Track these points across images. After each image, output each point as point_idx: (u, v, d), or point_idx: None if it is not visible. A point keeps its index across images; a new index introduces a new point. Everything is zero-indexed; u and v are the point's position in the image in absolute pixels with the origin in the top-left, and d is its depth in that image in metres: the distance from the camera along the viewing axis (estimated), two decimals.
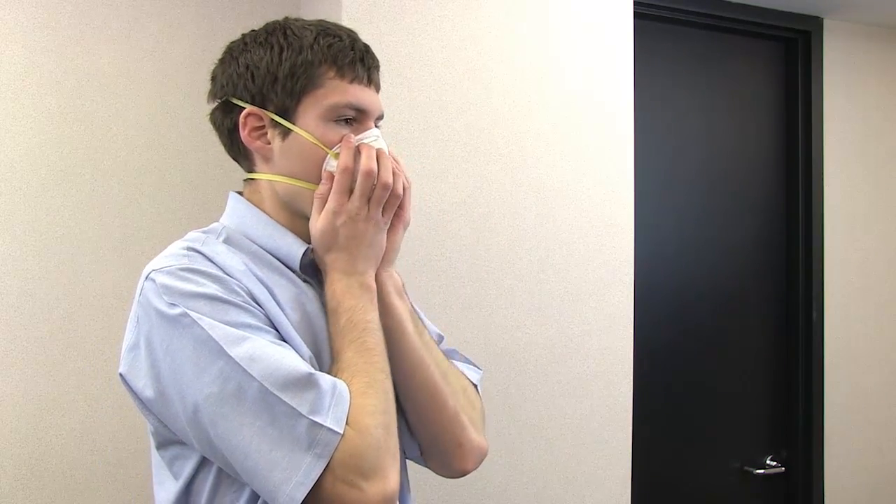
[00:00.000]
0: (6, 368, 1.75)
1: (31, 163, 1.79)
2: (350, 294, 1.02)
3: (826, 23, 2.52)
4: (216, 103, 1.12)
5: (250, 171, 1.12)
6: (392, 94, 1.72)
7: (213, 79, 1.12)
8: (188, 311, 0.93)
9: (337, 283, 1.03)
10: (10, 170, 1.77)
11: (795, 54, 2.52)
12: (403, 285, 1.16)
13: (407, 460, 1.18)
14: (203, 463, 0.99)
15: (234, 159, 1.14)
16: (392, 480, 0.92)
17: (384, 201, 1.06)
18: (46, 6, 1.80)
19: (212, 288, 0.95)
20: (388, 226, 1.08)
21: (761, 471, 2.42)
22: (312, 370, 0.93)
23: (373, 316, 1.02)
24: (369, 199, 1.05)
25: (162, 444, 1.02)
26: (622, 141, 1.96)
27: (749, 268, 2.48)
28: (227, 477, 0.98)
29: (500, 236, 1.82)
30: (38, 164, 1.79)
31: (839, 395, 2.51)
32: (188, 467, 1.00)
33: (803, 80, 2.50)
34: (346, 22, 1.67)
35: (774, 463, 2.45)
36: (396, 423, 0.98)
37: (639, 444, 1.99)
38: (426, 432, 1.14)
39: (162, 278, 0.96)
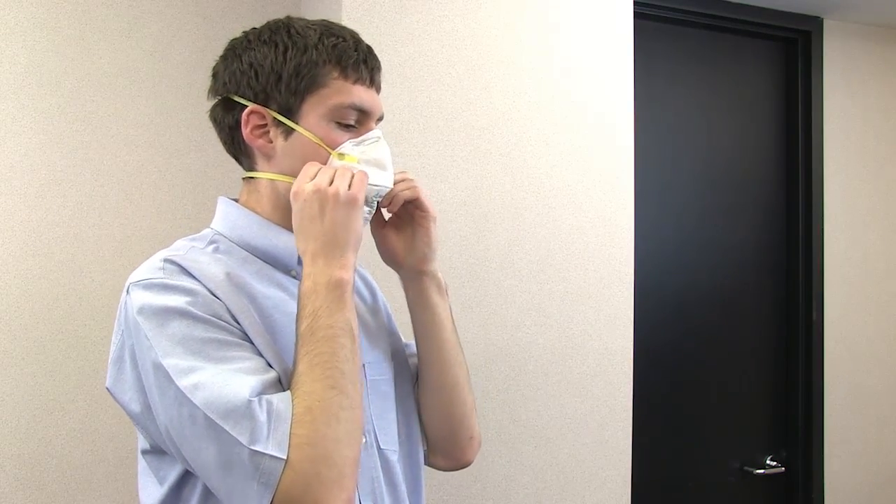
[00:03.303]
0: (6, 368, 1.75)
1: (31, 163, 1.79)
2: (315, 294, 0.95)
3: (826, 23, 2.52)
4: (217, 100, 1.11)
5: (251, 169, 1.11)
6: (392, 94, 1.72)
7: (215, 75, 1.11)
8: (150, 332, 0.93)
9: (305, 280, 0.97)
10: (10, 170, 1.77)
11: (795, 54, 2.52)
12: (446, 284, 1.17)
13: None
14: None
15: (234, 157, 1.13)
16: None
17: (333, 169, 1.00)
18: (46, 6, 1.80)
19: (182, 302, 0.94)
20: (359, 203, 0.99)
21: (761, 471, 2.42)
22: (252, 397, 0.89)
23: (336, 318, 0.94)
24: (333, 179, 0.98)
25: (149, 451, 1.02)
26: (622, 141, 1.96)
27: (749, 268, 2.48)
28: None
29: (500, 236, 1.82)
30: (38, 164, 1.79)
31: (839, 395, 2.51)
32: (174, 473, 0.99)
33: (803, 80, 2.50)
34: (346, 22, 1.67)
35: (774, 463, 2.45)
36: (350, 441, 0.92)
37: (639, 444, 1.99)
38: (444, 427, 1.16)
39: (137, 292, 0.97)
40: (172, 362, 0.91)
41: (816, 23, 2.50)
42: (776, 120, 2.53)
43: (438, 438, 1.18)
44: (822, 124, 2.50)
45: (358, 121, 1.07)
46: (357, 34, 1.10)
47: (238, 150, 1.11)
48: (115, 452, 1.81)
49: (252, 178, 1.11)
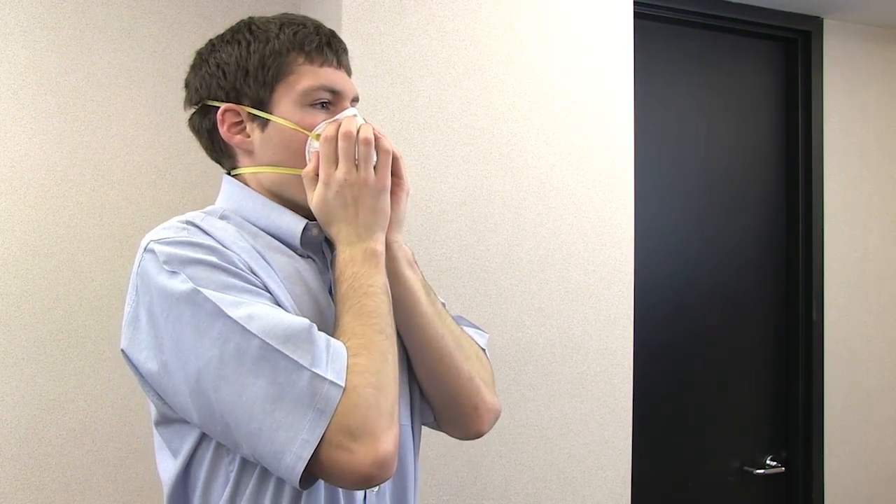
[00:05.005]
0: (6, 368, 1.75)
1: (31, 163, 1.79)
2: (352, 262, 1.01)
3: (826, 23, 2.52)
4: (193, 109, 1.14)
5: (233, 167, 1.13)
6: (392, 94, 1.72)
7: (187, 85, 1.14)
8: (188, 278, 0.94)
9: (341, 254, 1.03)
10: (10, 170, 1.77)
11: (795, 54, 2.52)
12: (413, 255, 1.16)
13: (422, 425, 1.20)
14: (201, 441, 1.00)
15: (217, 161, 1.16)
16: (385, 442, 0.90)
17: (373, 160, 1.04)
18: (47, 6, 1.80)
19: (211, 257, 0.96)
20: (387, 188, 1.06)
21: (761, 471, 2.42)
22: (311, 323, 0.93)
23: (375, 280, 1.01)
24: (357, 165, 1.03)
25: (160, 422, 1.03)
26: (622, 141, 1.96)
27: (749, 268, 2.48)
28: (225, 455, 0.99)
29: (500, 236, 1.82)
30: (38, 164, 1.79)
31: (839, 395, 2.51)
32: (186, 445, 1.00)
33: (803, 80, 2.50)
34: (345, 22, 1.67)
35: (774, 463, 2.45)
36: (396, 384, 0.96)
37: (639, 444, 1.99)
38: (442, 398, 1.15)
39: (161, 248, 0.97)
40: (219, 296, 0.93)
41: (816, 23, 2.50)
42: (776, 120, 2.53)
43: (440, 408, 1.17)
44: (822, 124, 2.50)
45: (331, 101, 1.09)
46: (318, 21, 1.12)
47: (219, 151, 1.14)
48: (115, 452, 1.81)
49: (237, 175, 1.13)
